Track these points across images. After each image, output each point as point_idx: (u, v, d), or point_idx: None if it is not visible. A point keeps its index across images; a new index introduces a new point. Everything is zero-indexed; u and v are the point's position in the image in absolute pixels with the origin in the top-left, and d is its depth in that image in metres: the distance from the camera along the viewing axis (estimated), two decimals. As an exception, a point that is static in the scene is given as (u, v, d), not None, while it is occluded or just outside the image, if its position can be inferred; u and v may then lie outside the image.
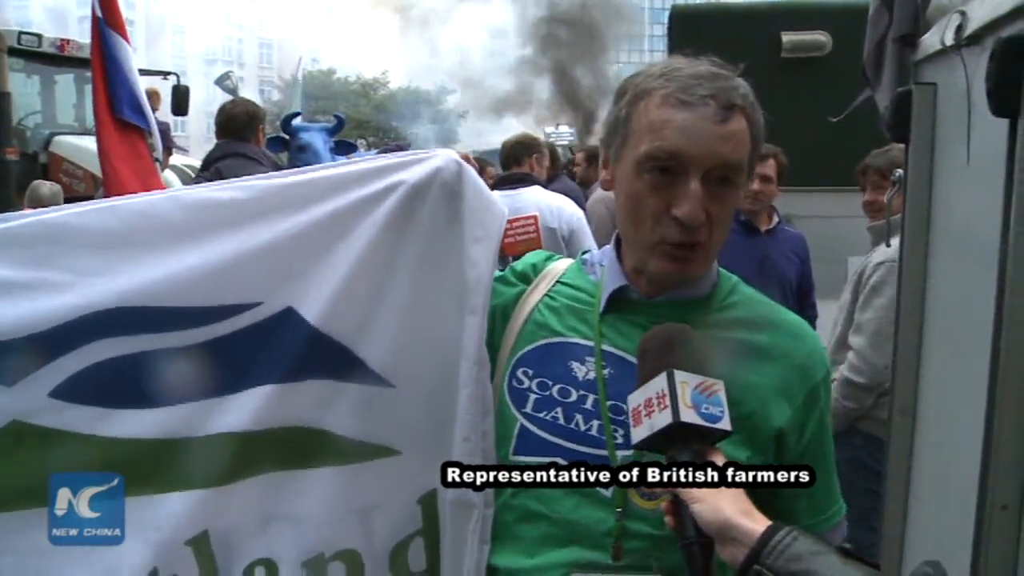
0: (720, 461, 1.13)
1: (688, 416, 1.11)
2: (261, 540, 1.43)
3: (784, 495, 1.34)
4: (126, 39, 4.49)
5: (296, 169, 1.51)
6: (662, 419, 1.13)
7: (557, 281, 1.45)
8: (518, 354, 1.40)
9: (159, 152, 4.71)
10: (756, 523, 1.05)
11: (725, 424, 1.14)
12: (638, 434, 1.17)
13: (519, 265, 1.51)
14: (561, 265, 1.49)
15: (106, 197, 4.49)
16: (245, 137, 4.51)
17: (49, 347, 1.38)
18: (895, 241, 2.59)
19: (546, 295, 1.43)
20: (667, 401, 1.12)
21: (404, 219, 1.40)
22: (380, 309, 1.42)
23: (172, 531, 1.39)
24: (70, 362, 1.38)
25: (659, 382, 1.15)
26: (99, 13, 4.45)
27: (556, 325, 1.40)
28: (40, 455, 1.39)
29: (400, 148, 5.21)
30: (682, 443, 1.14)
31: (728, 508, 1.07)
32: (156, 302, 1.39)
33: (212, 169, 4.34)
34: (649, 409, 1.15)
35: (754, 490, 1.30)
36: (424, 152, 1.45)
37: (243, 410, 1.40)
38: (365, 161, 1.46)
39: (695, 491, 1.09)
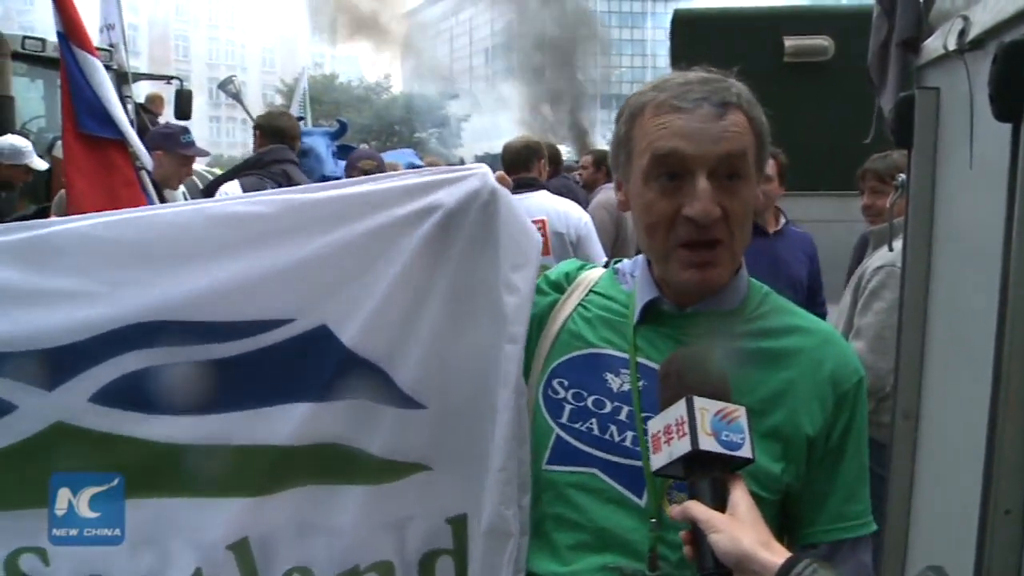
0: (740, 489, 1.12)
1: (707, 443, 1.10)
2: (298, 548, 1.44)
3: (806, 499, 1.35)
4: (91, 52, 4.49)
5: (328, 183, 1.51)
6: (681, 446, 1.12)
7: (590, 291, 1.45)
8: (553, 364, 1.40)
9: (144, 162, 4.70)
10: (775, 555, 1.04)
11: (746, 451, 1.12)
12: (657, 461, 1.17)
13: (552, 274, 1.51)
14: (594, 274, 1.49)
15: (68, 211, 4.55)
16: (293, 149, 4.82)
17: (86, 356, 1.40)
18: (896, 245, 2.59)
19: (579, 305, 1.44)
20: (686, 428, 1.11)
21: (440, 242, 1.40)
22: (413, 331, 1.41)
23: (214, 535, 1.41)
24: (107, 370, 1.40)
25: (678, 408, 1.13)
26: (61, 30, 4.43)
27: (590, 336, 1.40)
28: (83, 455, 1.41)
29: (366, 164, 5.22)
30: (702, 470, 1.12)
31: (746, 539, 1.05)
32: (189, 316, 1.40)
33: (278, 171, 4.46)
34: (668, 436, 1.14)
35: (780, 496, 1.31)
36: (461, 169, 1.44)
37: (278, 425, 1.41)
38: (400, 178, 1.44)
39: (714, 521, 1.08)
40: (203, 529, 1.41)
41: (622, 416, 1.34)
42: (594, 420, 1.35)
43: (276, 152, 4.59)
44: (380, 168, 5.39)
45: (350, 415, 1.43)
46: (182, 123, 8.22)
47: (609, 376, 1.36)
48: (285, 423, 1.41)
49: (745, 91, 1.31)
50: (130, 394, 1.40)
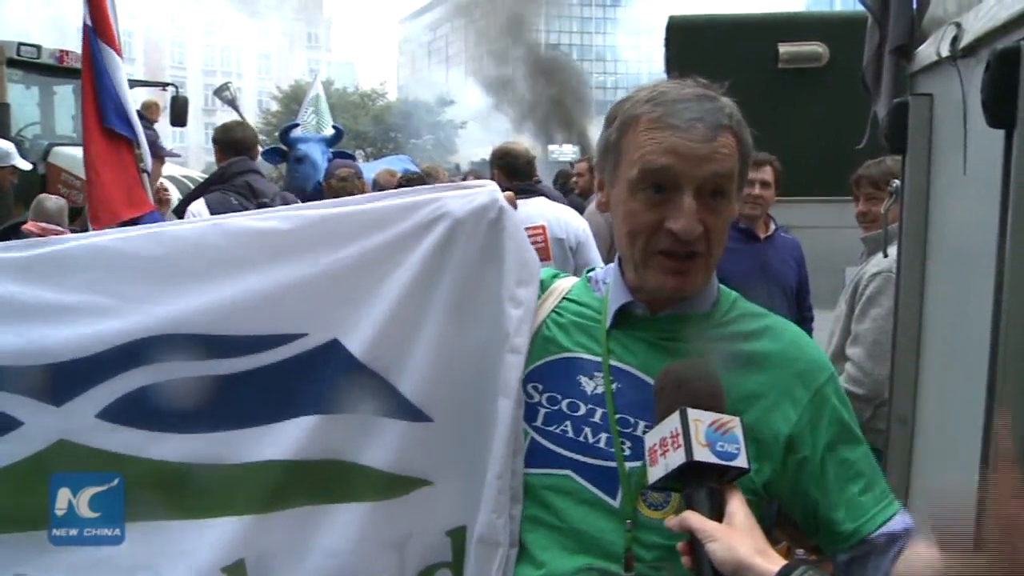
0: (737, 499, 1.13)
1: (702, 454, 1.11)
2: (295, 571, 1.42)
3: (832, 500, 1.33)
4: (116, 50, 4.51)
5: (337, 199, 1.53)
6: (676, 458, 1.12)
7: (564, 298, 1.48)
8: (527, 369, 1.42)
9: (147, 163, 4.72)
10: (770, 563, 1.05)
11: (741, 462, 1.13)
12: (654, 473, 1.17)
13: None
14: (567, 283, 1.52)
15: (90, 204, 4.57)
16: (253, 157, 4.79)
17: (96, 370, 1.39)
18: (892, 251, 2.60)
19: (553, 311, 1.46)
20: (681, 440, 1.12)
21: (448, 251, 1.42)
22: (421, 344, 1.43)
23: (209, 557, 1.39)
24: (116, 385, 1.40)
25: (673, 421, 1.14)
26: (89, 23, 4.47)
27: (564, 341, 1.43)
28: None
29: (344, 171, 5.27)
30: (698, 481, 1.13)
31: (742, 548, 1.06)
32: (202, 330, 1.40)
33: (241, 183, 4.47)
34: (664, 448, 1.15)
35: (791, 502, 1.31)
36: (471, 185, 1.47)
37: (285, 440, 1.41)
38: (413, 193, 1.47)
39: (710, 530, 1.09)
40: (199, 551, 1.40)
41: (596, 418, 1.36)
42: (568, 423, 1.37)
43: (237, 165, 4.60)
44: (357, 174, 5.45)
45: (356, 430, 1.43)
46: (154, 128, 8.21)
47: (583, 379, 1.39)
48: (291, 438, 1.40)
49: (736, 112, 1.34)
50: (138, 410, 1.40)
